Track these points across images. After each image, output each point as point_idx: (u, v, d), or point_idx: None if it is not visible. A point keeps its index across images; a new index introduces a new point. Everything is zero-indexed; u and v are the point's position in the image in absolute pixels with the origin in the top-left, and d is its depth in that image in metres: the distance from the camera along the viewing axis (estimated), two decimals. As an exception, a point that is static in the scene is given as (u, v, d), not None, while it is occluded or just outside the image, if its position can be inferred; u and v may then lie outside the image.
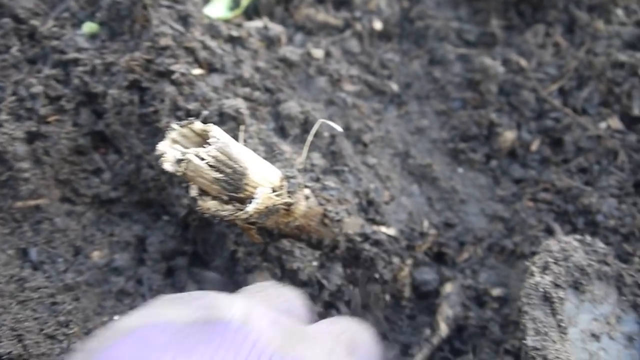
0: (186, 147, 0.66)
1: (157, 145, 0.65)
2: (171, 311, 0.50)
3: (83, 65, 0.95)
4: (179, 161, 0.64)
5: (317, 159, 1.00)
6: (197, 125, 0.67)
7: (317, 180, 0.96)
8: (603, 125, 1.05)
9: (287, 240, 0.86)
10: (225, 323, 0.48)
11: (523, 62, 1.16)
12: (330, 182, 0.96)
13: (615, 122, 1.05)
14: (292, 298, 0.66)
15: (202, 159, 0.64)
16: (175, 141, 0.67)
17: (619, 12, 1.21)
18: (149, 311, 0.51)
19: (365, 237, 0.93)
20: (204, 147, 0.65)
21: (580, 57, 1.14)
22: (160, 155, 0.64)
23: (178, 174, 0.65)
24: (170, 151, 0.65)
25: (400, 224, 1.02)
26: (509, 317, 0.91)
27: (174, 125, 0.66)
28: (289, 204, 0.78)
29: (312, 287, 0.89)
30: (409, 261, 1.00)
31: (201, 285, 0.94)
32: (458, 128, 1.13)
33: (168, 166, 0.65)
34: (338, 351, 0.57)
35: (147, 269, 0.95)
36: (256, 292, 0.63)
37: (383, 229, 0.98)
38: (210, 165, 0.65)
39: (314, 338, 0.55)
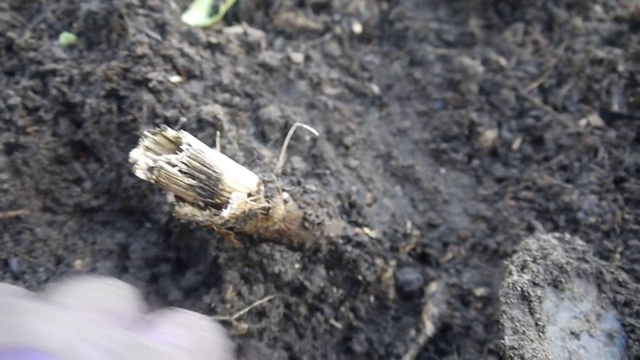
0: (159, 155, 0.66)
1: (130, 153, 0.65)
2: None
3: (61, 75, 0.95)
4: (151, 169, 0.64)
5: (298, 163, 1.00)
6: (170, 132, 0.67)
7: (298, 184, 0.96)
8: (583, 122, 1.06)
9: (266, 245, 0.86)
10: (39, 355, 0.39)
11: (502, 61, 1.16)
12: (312, 185, 0.96)
13: (595, 119, 1.05)
14: (121, 296, 0.55)
15: (174, 166, 0.64)
16: (148, 148, 0.67)
17: (597, 8, 1.21)
18: None
19: (348, 240, 0.93)
20: (177, 153, 0.65)
21: (559, 55, 1.15)
22: (134, 163, 0.64)
23: (151, 181, 0.64)
24: (142, 159, 0.65)
25: (383, 226, 1.02)
26: (493, 317, 0.91)
27: (147, 133, 0.66)
28: (267, 208, 0.78)
29: (294, 290, 0.90)
30: (393, 262, 1.00)
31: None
32: (439, 128, 1.13)
33: (140, 174, 0.64)
34: None
35: (130, 276, 0.94)
36: (79, 299, 0.50)
37: (366, 231, 0.98)
38: (183, 172, 0.65)
39: (152, 351, 0.46)
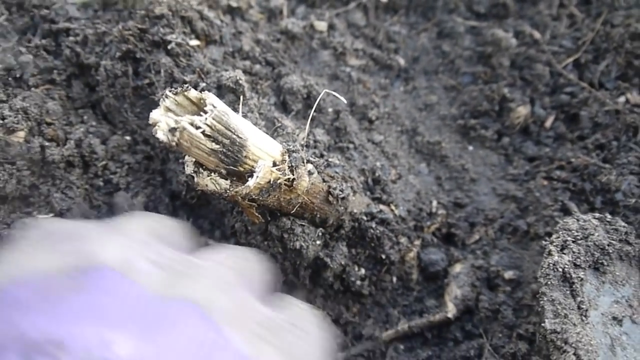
0: (181, 116, 0.61)
1: (151, 114, 0.60)
2: (36, 259, 0.44)
3: (75, 35, 0.90)
4: (172, 130, 0.59)
5: (321, 135, 0.95)
6: (193, 92, 0.63)
7: (321, 156, 0.92)
8: (621, 99, 1.00)
9: (287, 219, 0.82)
10: (97, 270, 0.43)
11: (536, 35, 1.11)
12: (335, 159, 0.91)
13: (635, 96, 1.00)
14: (172, 226, 0.61)
15: (198, 128, 0.60)
16: (169, 110, 0.63)
17: (638, -19, 1.15)
18: (10, 261, 0.44)
19: (372, 216, 0.89)
20: (200, 115, 0.61)
21: (596, 29, 1.09)
22: (154, 124, 0.60)
23: (172, 144, 0.60)
24: (163, 119, 0.61)
25: (408, 204, 0.97)
26: (523, 301, 0.87)
27: (168, 93, 0.62)
28: (291, 180, 0.74)
29: (315, 267, 0.86)
30: (417, 242, 0.96)
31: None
32: (468, 104, 1.08)
33: (161, 135, 0.60)
34: (227, 279, 0.52)
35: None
36: (133, 225, 0.55)
37: (391, 208, 0.93)
38: (207, 135, 0.61)
39: (200, 268, 0.50)
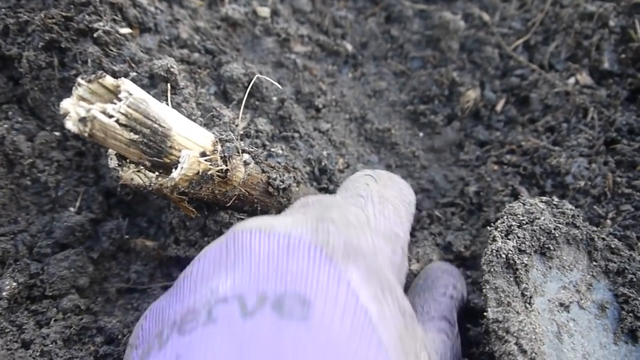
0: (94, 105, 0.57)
1: (61, 103, 0.56)
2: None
3: (-6, 25, 0.85)
4: (83, 119, 0.55)
5: (264, 125, 0.91)
6: (108, 80, 0.58)
7: (263, 147, 0.88)
8: (571, 81, 0.98)
9: (225, 212, 0.78)
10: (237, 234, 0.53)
11: (485, 16, 1.08)
12: (278, 149, 0.88)
13: (584, 78, 0.98)
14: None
15: (111, 117, 0.56)
16: (82, 98, 0.58)
17: (586, -39, 1.14)
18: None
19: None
20: (114, 103, 0.57)
21: (546, 10, 1.07)
22: (65, 115, 0.55)
23: (85, 135, 0.55)
24: (74, 109, 0.56)
25: (357, 193, 0.94)
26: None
27: (81, 80, 0.57)
28: (224, 171, 0.70)
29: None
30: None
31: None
32: (417, 89, 1.05)
33: (71, 126, 0.55)
34: (386, 212, 0.61)
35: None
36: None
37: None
38: (122, 125, 0.57)
39: (348, 200, 0.60)
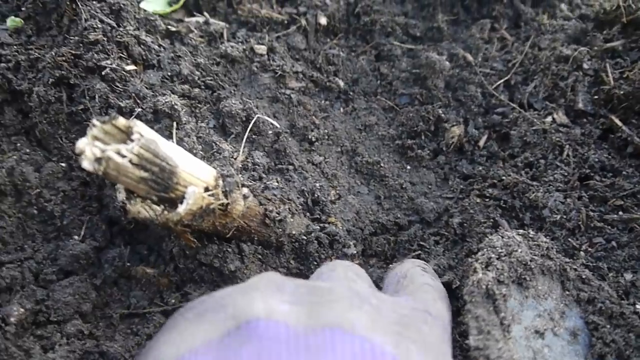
0: (108, 145, 0.62)
1: (77, 143, 0.60)
2: (201, 331, 0.53)
3: (6, 61, 0.90)
4: (98, 159, 0.60)
5: (260, 158, 0.96)
6: (121, 121, 0.63)
7: (259, 179, 0.93)
8: (549, 119, 1.05)
9: (214, 245, 0.82)
10: (249, 323, 0.51)
11: (469, 57, 1.15)
12: (273, 181, 0.93)
13: (561, 117, 1.05)
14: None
15: (124, 157, 0.60)
16: (96, 138, 0.63)
17: (563, 6, 1.21)
18: (178, 337, 0.53)
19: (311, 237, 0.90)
20: (128, 144, 0.61)
21: (525, 52, 1.14)
22: (80, 154, 0.60)
23: (99, 173, 0.60)
24: (89, 149, 0.61)
25: (347, 223, 0.99)
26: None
27: (95, 122, 0.62)
28: (225, 204, 0.74)
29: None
30: (357, 261, 0.97)
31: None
32: (405, 124, 1.11)
33: (87, 165, 0.60)
34: (354, 292, 0.59)
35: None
36: (259, 280, 0.62)
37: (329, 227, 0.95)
38: (134, 164, 0.61)
39: (329, 293, 0.57)
